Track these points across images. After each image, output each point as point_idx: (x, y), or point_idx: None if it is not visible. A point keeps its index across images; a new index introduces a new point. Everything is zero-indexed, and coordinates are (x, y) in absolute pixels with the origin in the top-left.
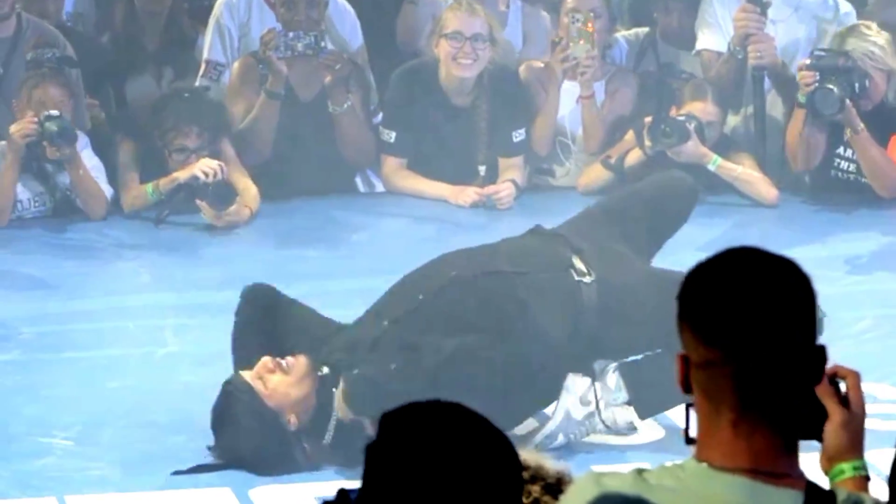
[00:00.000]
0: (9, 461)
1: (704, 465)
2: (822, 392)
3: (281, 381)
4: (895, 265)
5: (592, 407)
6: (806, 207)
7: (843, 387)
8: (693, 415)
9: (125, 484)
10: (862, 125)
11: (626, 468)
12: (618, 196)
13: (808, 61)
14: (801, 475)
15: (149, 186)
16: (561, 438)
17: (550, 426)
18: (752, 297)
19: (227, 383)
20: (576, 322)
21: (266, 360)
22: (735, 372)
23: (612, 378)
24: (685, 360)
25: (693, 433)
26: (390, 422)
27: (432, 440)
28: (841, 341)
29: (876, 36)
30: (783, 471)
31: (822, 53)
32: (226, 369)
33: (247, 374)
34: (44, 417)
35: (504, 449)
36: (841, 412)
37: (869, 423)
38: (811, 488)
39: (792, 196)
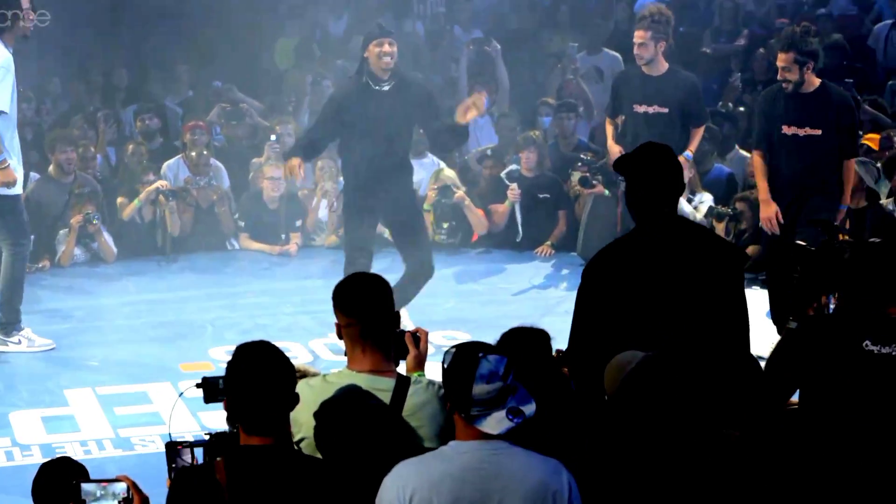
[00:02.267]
0: None
1: (353, 371)
2: (407, 338)
3: None
4: None
5: None
6: None
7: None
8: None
9: None
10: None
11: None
12: None
13: None
14: (395, 371)
15: None
16: None
17: None
18: (367, 291)
19: None
20: None
21: None
22: (361, 329)
23: None
24: (338, 326)
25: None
26: (240, 350)
27: (255, 357)
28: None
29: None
30: (387, 369)
31: None
32: None
33: None
34: None
35: (286, 361)
36: (414, 350)
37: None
38: (399, 377)
39: None
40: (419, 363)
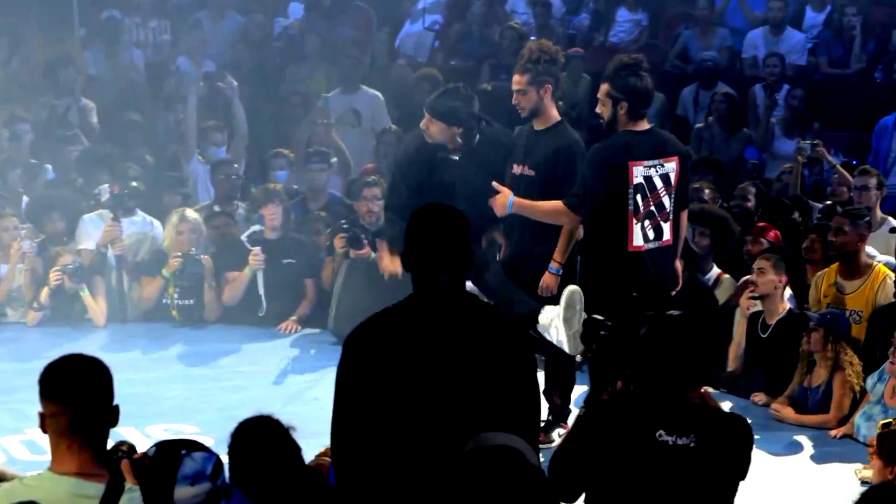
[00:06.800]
0: None
1: (55, 474)
2: (124, 468)
3: None
4: None
5: None
6: None
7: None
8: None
9: None
10: None
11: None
12: None
13: None
14: (105, 474)
15: None
16: None
17: None
18: (82, 374)
19: None
20: None
21: None
22: (70, 419)
23: None
24: (42, 416)
25: None
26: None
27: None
28: None
29: None
30: (96, 472)
31: None
32: None
33: None
34: None
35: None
36: (133, 481)
37: None
38: (111, 481)
39: None
40: None
